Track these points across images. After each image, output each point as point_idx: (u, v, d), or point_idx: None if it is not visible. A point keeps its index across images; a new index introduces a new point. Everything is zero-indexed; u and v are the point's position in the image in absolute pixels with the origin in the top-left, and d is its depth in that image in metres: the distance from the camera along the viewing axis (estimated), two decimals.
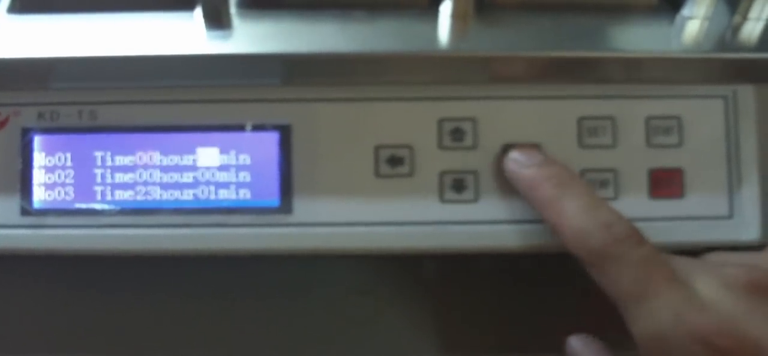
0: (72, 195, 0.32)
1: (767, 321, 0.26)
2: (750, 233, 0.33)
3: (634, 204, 0.32)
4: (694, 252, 0.31)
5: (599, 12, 0.33)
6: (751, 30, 0.32)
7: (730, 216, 0.33)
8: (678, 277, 0.28)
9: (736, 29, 0.32)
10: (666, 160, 0.33)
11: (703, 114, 0.33)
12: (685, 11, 0.32)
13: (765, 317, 0.26)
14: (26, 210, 0.32)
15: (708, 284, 0.27)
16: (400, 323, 0.40)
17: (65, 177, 0.32)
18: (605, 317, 0.35)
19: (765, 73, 0.32)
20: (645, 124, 0.33)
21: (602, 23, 0.32)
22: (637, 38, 0.32)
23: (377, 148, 0.32)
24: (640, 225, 0.32)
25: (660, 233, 0.32)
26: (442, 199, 0.32)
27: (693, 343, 0.26)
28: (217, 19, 0.31)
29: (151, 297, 0.39)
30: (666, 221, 0.33)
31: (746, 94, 0.33)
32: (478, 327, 0.40)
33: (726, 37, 0.32)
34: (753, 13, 0.32)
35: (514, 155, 0.32)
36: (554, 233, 0.30)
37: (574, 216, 0.29)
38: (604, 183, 0.32)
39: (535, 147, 0.32)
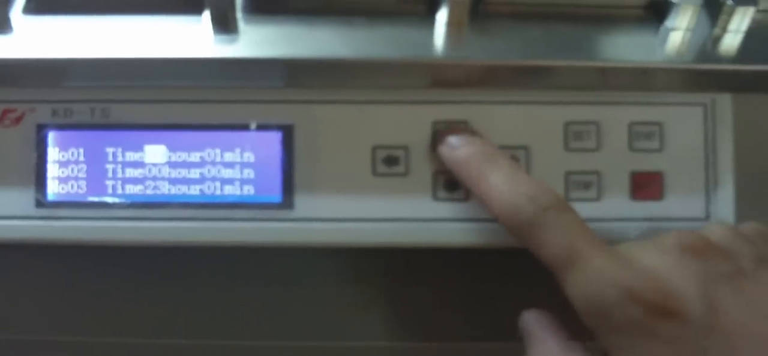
0: (84, 188, 0.34)
1: (692, 277, 0.27)
2: None
3: (616, 205, 0.34)
4: None
5: (587, 22, 0.34)
6: (730, 42, 0.34)
7: (706, 217, 0.35)
8: (605, 242, 0.29)
9: (716, 41, 0.34)
10: (647, 163, 0.34)
11: (683, 121, 0.34)
12: (669, 23, 0.34)
13: (690, 274, 0.28)
14: (40, 202, 0.34)
15: (638, 246, 0.29)
16: (391, 311, 0.42)
17: (78, 171, 0.34)
18: None
19: (742, 83, 0.34)
20: (628, 129, 0.34)
21: (590, 33, 0.34)
22: (622, 48, 0.34)
23: (374, 148, 0.34)
24: (621, 225, 0.35)
25: (640, 233, 0.34)
26: (435, 197, 0.34)
27: (623, 299, 0.27)
28: (224, 24, 0.33)
29: (149, 285, 0.40)
30: (646, 221, 0.34)
31: (724, 102, 0.34)
32: (467, 315, 0.42)
33: (706, 48, 0.34)
34: (732, 25, 0.34)
35: (447, 139, 0.33)
36: (485, 208, 0.31)
37: (501, 190, 0.30)
38: (587, 185, 0.34)
39: (465, 128, 0.34)
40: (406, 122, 0.34)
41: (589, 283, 0.28)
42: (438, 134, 0.33)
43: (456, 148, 0.32)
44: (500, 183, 0.31)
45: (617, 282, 0.28)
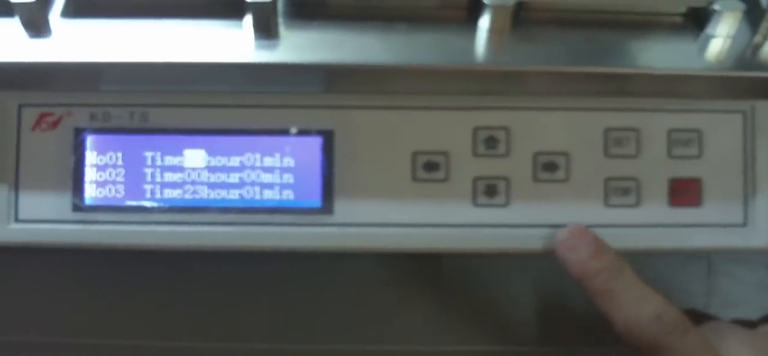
0: (122, 192, 0.34)
1: None
2: (762, 240, 0.35)
3: (654, 211, 0.34)
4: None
5: (627, 29, 0.34)
6: None
7: (744, 224, 0.35)
8: None
9: (756, 48, 0.34)
10: (686, 170, 0.35)
11: (722, 128, 0.35)
12: (709, 30, 0.34)
13: None
14: (78, 206, 0.34)
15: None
16: (420, 314, 0.42)
17: (116, 175, 0.34)
18: None
19: None
20: (667, 136, 0.34)
21: (630, 39, 0.34)
22: (662, 55, 0.34)
23: (415, 154, 0.34)
24: (659, 231, 0.35)
25: (677, 239, 0.35)
26: (475, 203, 0.34)
27: None
28: (266, 29, 0.33)
29: (177, 286, 0.40)
30: (683, 228, 0.35)
31: (764, 109, 0.34)
32: (496, 319, 0.42)
33: (746, 55, 0.34)
34: None
35: (564, 239, 0.33)
36: (606, 320, 0.32)
37: (627, 309, 0.31)
38: (626, 191, 0.34)
39: (583, 228, 0.33)
40: (446, 128, 0.34)
41: None
42: (562, 236, 0.33)
43: (586, 259, 0.32)
44: (627, 301, 0.31)
45: None
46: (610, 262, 0.32)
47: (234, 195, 0.34)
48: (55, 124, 0.34)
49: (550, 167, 0.34)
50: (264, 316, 0.41)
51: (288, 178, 0.34)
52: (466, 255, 0.37)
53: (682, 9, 0.35)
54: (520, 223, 0.34)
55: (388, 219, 0.34)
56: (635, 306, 0.31)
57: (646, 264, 0.41)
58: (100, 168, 0.34)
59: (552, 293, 0.42)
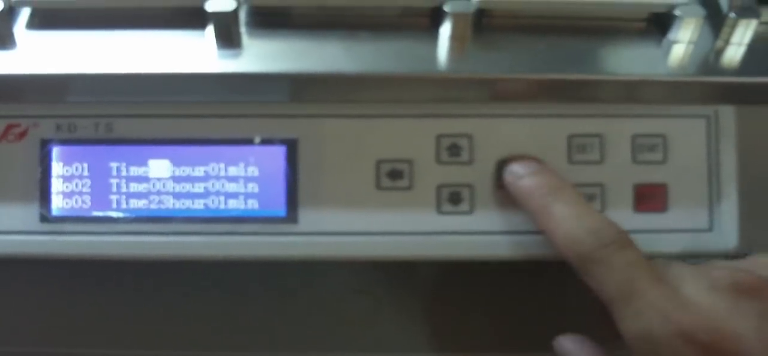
0: (89, 203, 0.34)
1: (748, 318, 0.28)
2: (728, 244, 0.35)
3: (620, 217, 0.34)
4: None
5: (590, 35, 0.35)
6: (733, 54, 0.34)
7: (709, 228, 0.35)
8: (663, 278, 0.29)
9: (719, 53, 0.34)
10: (650, 175, 0.35)
11: (686, 132, 0.35)
12: (671, 35, 0.34)
13: (746, 314, 0.28)
14: (45, 217, 0.34)
15: (693, 285, 0.29)
16: (396, 321, 0.42)
17: (82, 186, 0.34)
18: (595, 317, 0.37)
19: (745, 95, 0.34)
20: (631, 142, 0.34)
21: (593, 46, 0.34)
22: (625, 61, 0.34)
23: (379, 162, 0.34)
24: None
25: (644, 245, 0.34)
26: (439, 211, 0.34)
27: (678, 340, 0.28)
28: (228, 39, 0.33)
29: (155, 295, 0.40)
30: (650, 233, 0.35)
31: (727, 114, 0.35)
32: (473, 326, 0.42)
33: (709, 60, 0.34)
34: (735, 38, 0.34)
35: (511, 168, 0.33)
36: (546, 239, 0.31)
37: (564, 223, 0.30)
38: (591, 198, 0.34)
39: (532, 157, 0.34)
40: (410, 136, 0.34)
41: (644, 320, 0.28)
42: (507, 162, 0.34)
43: (521, 177, 0.33)
44: (564, 216, 0.31)
45: (674, 322, 0.28)
46: (548, 178, 0.32)
47: (199, 205, 0.34)
48: (22, 135, 0.34)
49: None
50: (238, 325, 0.41)
51: (252, 187, 0.34)
52: (432, 263, 0.37)
53: (644, 15, 0.35)
54: (484, 230, 0.34)
55: (352, 227, 0.34)
56: (572, 220, 0.30)
57: None
58: (67, 179, 0.34)
59: (527, 300, 0.42)
